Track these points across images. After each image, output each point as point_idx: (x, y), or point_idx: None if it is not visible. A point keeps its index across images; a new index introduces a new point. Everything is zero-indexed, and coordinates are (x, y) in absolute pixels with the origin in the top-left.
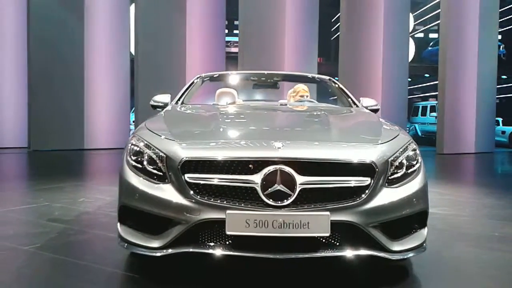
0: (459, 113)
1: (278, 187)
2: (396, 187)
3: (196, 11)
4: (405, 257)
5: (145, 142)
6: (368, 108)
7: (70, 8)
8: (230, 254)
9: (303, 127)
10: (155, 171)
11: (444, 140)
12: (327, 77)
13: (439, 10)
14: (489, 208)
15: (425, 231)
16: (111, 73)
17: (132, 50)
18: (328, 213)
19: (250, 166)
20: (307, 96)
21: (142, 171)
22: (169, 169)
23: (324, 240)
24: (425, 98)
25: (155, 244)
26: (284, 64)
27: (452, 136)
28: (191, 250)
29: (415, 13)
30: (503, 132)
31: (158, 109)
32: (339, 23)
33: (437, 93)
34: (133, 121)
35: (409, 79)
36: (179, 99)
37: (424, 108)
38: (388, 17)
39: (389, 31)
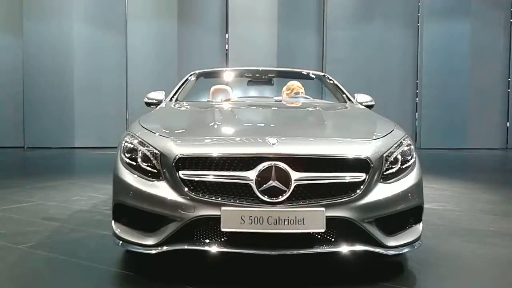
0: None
1: (273, 183)
2: (391, 182)
3: None
4: (400, 252)
5: (139, 139)
6: (363, 104)
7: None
8: (226, 251)
9: (298, 123)
10: (149, 168)
11: (422, 135)
12: (322, 73)
13: None
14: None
15: (420, 226)
16: (103, 72)
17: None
18: (323, 209)
19: (245, 162)
20: (302, 93)
21: (136, 169)
22: (163, 166)
23: (319, 236)
24: None
25: (150, 241)
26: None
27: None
28: (186, 247)
29: None
30: None
31: (152, 106)
32: None
33: None
34: None
35: None
36: (173, 96)
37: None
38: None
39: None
